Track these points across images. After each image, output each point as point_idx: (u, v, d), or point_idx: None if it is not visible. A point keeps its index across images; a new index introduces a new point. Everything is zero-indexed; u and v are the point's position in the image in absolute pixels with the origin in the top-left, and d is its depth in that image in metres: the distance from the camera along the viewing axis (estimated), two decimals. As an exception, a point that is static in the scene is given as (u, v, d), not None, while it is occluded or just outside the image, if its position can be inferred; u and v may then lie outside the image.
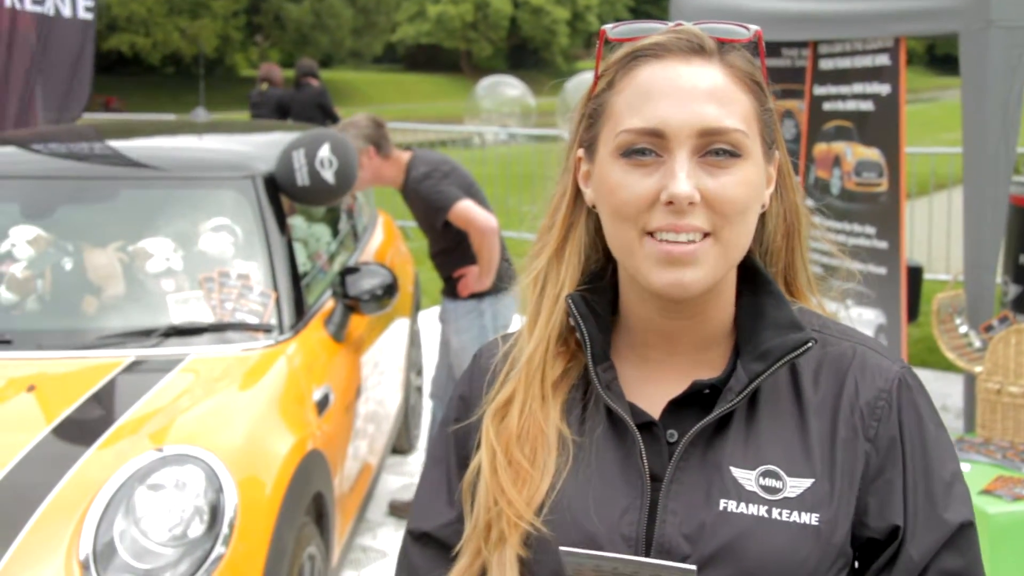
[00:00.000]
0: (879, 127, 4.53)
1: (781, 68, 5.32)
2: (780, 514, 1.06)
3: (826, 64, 4.90)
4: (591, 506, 1.09)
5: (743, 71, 1.09)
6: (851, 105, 4.70)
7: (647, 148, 1.06)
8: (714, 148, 1.05)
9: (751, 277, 1.15)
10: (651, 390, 1.14)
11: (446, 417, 1.25)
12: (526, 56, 55.85)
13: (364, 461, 3.97)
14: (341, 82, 39.57)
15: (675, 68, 1.07)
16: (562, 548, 1.05)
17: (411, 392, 5.33)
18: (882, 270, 4.52)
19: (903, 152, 4.41)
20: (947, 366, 5.26)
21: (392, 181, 4.27)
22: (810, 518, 1.06)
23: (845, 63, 4.75)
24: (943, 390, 5.49)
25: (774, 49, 5.28)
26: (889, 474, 1.09)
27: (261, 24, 45.99)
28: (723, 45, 1.09)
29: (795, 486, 1.07)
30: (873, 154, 4.57)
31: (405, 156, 4.27)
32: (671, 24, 1.12)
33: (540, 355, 1.15)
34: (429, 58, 55.41)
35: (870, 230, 4.60)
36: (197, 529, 2.55)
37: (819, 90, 4.96)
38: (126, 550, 2.47)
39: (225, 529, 2.57)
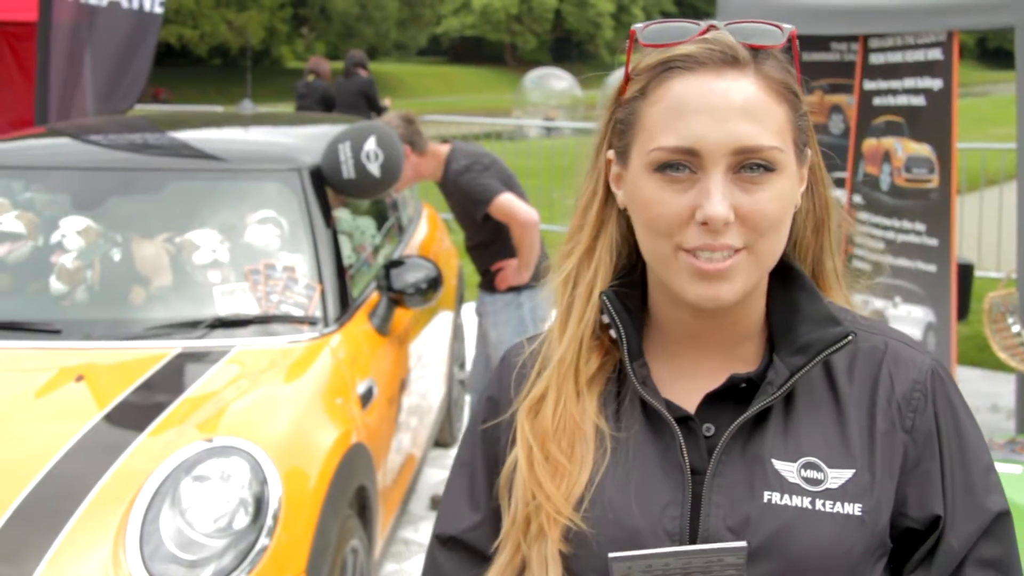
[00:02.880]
0: (930, 122, 4.46)
1: (830, 62, 5.25)
2: (824, 505, 1.06)
3: (876, 58, 4.83)
4: (632, 501, 1.09)
5: (777, 81, 1.08)
6: (902, 100, 4.63)
7: (681, 163, 1.05)
8: (748, 164, 1.05)
9: (783, 272, 1.15)
10: (684, 385, 1.14)
11: (474, 418, 1.26)
12: (570, 49, 55.72)
13: (407, 454, 3.98)
14: (386, 74, 39.66)
15: (708, 83, 1.05)
16: (611, 555, 1.05)
17: (454, 385, 5.34)
18: (932, 267, 4.45)
19: (955, 148, 4.34)
20: (998, 365, 5.18)
21: (431, 175, 4.27)
22: (853, 508, 1.07)
23: (896, 57, 4.68)
24: (994, 390, 5.41)
25: (823, 43, 5.21)
26: (927, 465, 1.10)
27: (307, 16, 46.26)
28: (757, 53, 1.08)
29: (836, 477, 1.08)
30: (924, 150, 4.50)
31: (444, 149, 4.26)
32: (703, 25, 1.09)
33: (574, 352, 1.15)
34: (473, 50, 55.45)
35: (920, 227, 4.53)
36: (242, 521, 2.56)
37: (869, 85, 4.89)
38: (172, 541, 2.49)
39: (269, 521, 2.58)
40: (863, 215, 4.90)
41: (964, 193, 8.90)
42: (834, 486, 1.07)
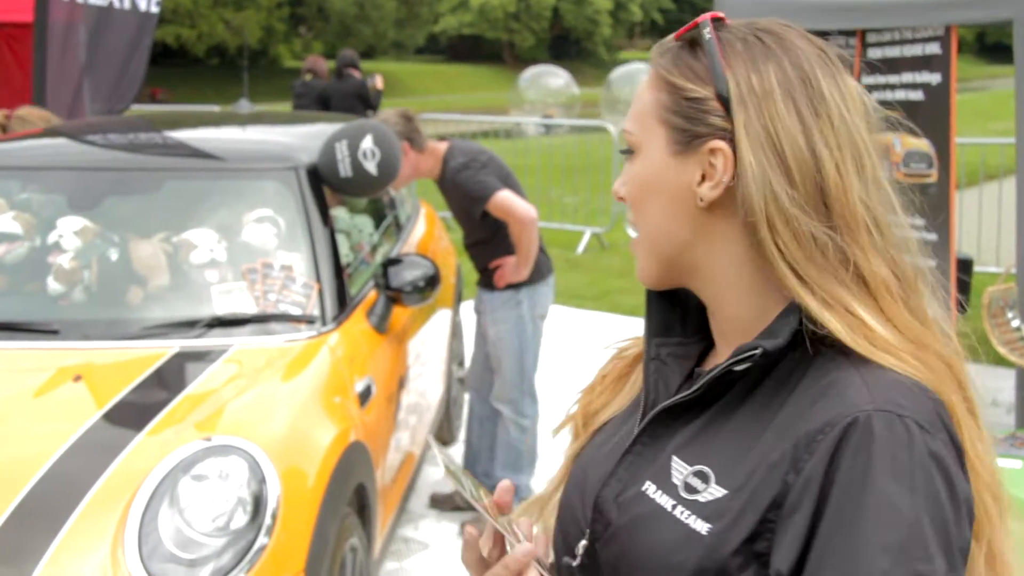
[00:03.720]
0: (929, 117, 4.45)
1: (828, 57, 5.24)
2: (681, 513, 1.04)
3: (874, 53, 4.82)
4: (599, 456, 1.18)
5: (655, 72, 1.14)
6: (900, 95, 4.62)
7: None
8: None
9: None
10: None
11: None
12: (568, 46, 55.70)
13: (406, 452, 3.97)
14: (384, 73, 39.67)
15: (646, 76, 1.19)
16: (429, 437, 1.24)
17: (453, 383, 5.33)
18: (931, 262, 4.45)
19: (953, 143, 4.33)
20: (998, 360, 5.17)
21: (429, 172, 4.27)
22: (701, 526, 1.02)
23: (894, 52, 4.67)
24: (994, 385, 5.40)
25: (821, 38, 5.21)
26: (797, 516, 0.97)
27: (304, 15, 46.24)
28: (662, 46, 1.15)
29: (711, 493, 1.03)
30: (923, 145, 4.49)
31: (441, 147, 4.26)
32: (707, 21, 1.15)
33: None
34: (471, 49, 55.42)
35: (919, 222, 4.53)
36: (240, 520, 2.56)
37: (867, 80, 4.88)
38: (170, 540, 2.49)
39: (268, 520, 2.57)
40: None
41: (963, 188, 8.90)
42: (702, 500, 1.03)
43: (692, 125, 1.08)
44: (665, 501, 1.05)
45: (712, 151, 1.07)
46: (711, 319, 1.15)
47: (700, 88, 1.08)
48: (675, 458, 1.08)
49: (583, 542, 1.12)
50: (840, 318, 1.02)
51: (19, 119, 4.61)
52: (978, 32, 51.83)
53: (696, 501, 1.03)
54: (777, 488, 0.99)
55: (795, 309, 1.04)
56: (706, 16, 1.10)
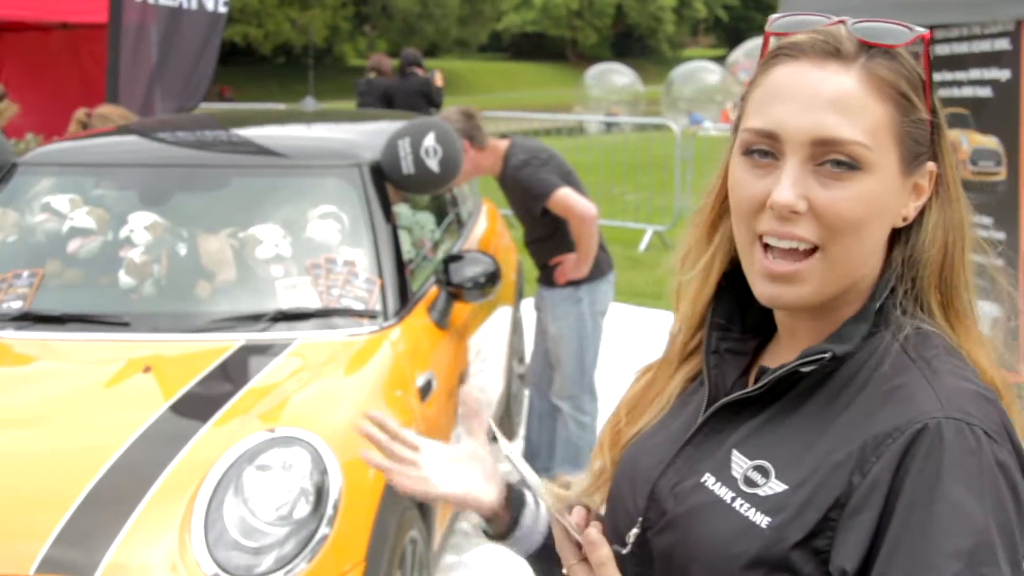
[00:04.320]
0: (997, 114, 4.39)
1: (895, 54, 5.19)
2: (740, 506, 1.05)
3: (942, 49, 4.76)
4: (650, 446, 1.18)
5: (882, 79, 1.04)
6: (967, 92, 4.56)
7: (766, 150, 1.05)
8: (831, 159, 1.03)
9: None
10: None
11: None
12: (631, 44, 55.48)
13: (466, 447, 4.00)
14: (447, 71, 39.83)
15: (805, 71, 1.05)
16: (493, 426, 1.29)
17: (513, 380, 5.36)
18: (999, 262, 4.38)
19: (1023, 140, 4.26)
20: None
21: (490, 170, 4.30)
22: (761, 519, 1.03)
23: (963, 48, 4.61)
24: (1062, 387, 5.31)
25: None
26: (863, 516, 0.98)
27: (369, 14, 46.62)
28: (870, 49, 1.05)
29: (771, 488, 1.04)
30: (991, 142, 4.43)
31: (502, 144, 4.29)
32: (833, 19, 1.08)
33: (689, 328, 1.21)
34: (534, 46, 55.44)
35: (987, 220, 4.46)
36: (303, 510, 2.61)
37: (935, 76, 4.82)
38: (235, 528, 2.54)
39: (330, 510, 2.62)
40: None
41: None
42: (762, 494, 1.05)
43: (919, 146, 1.07)
44: (724, 493, 1.07)
45: (929, 172, 1.08)
46: (786, 317, 1.14)
47: (922, 106, 1.07)
48: (735, 452, 1.09)
49: (634, 530, 1.13)
50: (946, 325, 1.09)
51: (100, 117, 4.75)
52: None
53: (756, 495, 1.05)
54: (841, 488, 1.00)
55: (866, 316, 1.07)
56: (922, 31, 1.06)
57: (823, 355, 1.05)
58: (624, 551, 1.14)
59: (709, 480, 1.09)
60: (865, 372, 1.06)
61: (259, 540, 2.55)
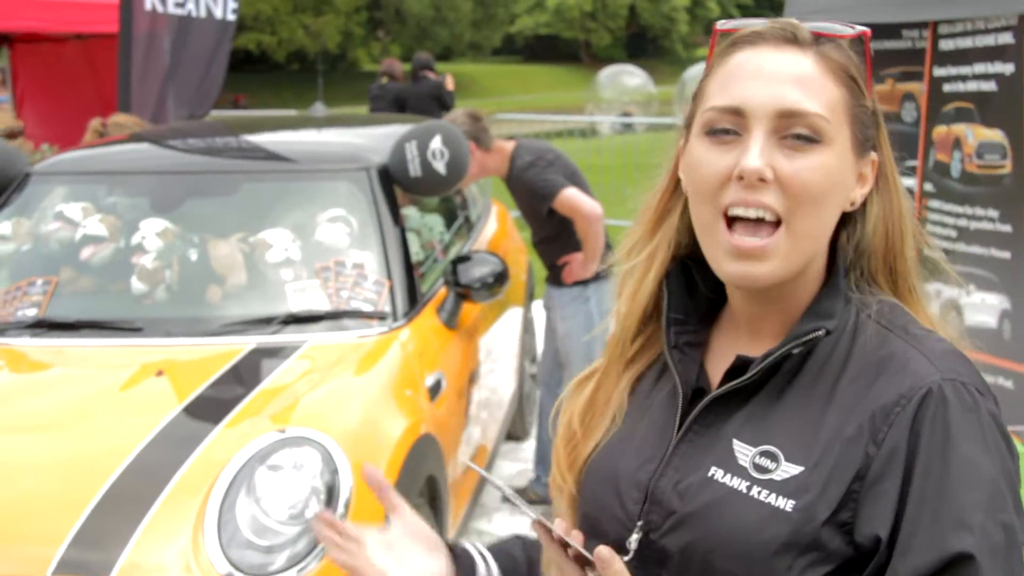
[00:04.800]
0: (1002, 108, 4.39)
1: (901, 50, 5.19)
2: (759, 493, 1.07)
3: (946, 44, 4.77)
4: (627, 450, 1.18)
5: (836, 62, 1.11)
6: (972, 86, 4.56)
7: (729, 128, 1.09)
8: (793, 132, 1.07)
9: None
10: (729, 360, 1.16)
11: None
12: (645, 44, 55.43)
13: (478, 446, 4.04)
14: (460, 74, 39.94)
15: (766, 53, 1.11)
16: (465, 462, 1.20)
17: (526, 379, 5.39)
18: (1006, 254, 4.38)
19: (1028, 133, 4.26)
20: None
21: (497, 171, 4.34)
22: (785, 503, 1.05)
23: (966, 43, 4.62)
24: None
25: (894, 31, 5.15)
26: (886, 483, 1.03)
27: (382, 19, 46.73)
28: (820, 38, 1.12)
29: (785, 471, 1.07)
30: (996, 135, 4.43)
31: (509, 146, 4.33)
32: (780, 20, 1.14)
33: (625, 329, 1.22)
34: (548, 49, 55.45)
35: (993, 213, 4.47)
36: (314, 508, 2.64)
37: (939, 71, 4.83)
38: (248, 527, 2.58)
39: (341, 509, 2.66)
40: (934, 203, 4.85)
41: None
42: (778, 478, 1.07)
43: (866, 132, 1.13)
44: (738, 484, 1.08)
45: (871, 161, 1.14)
46: (745, 303, 1.16)
47: (867, 95, 1.13)
48: (736, 441, 1.11)
49: (635, 535, 1.13)
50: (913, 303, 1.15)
51: (116, 125, 4.82)
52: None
53: (772, 480, 1.07)
54: (860, 460, 1.04)
55: (838, 290, 1.12)
56: (863, 29, 1.12)
57: (816, 333, 1.09)
58: (627, 558, 1.12)
59: (717, 473, 1.10)
60: (842, 348, 1.11)
61: (271, 539, 2.58)
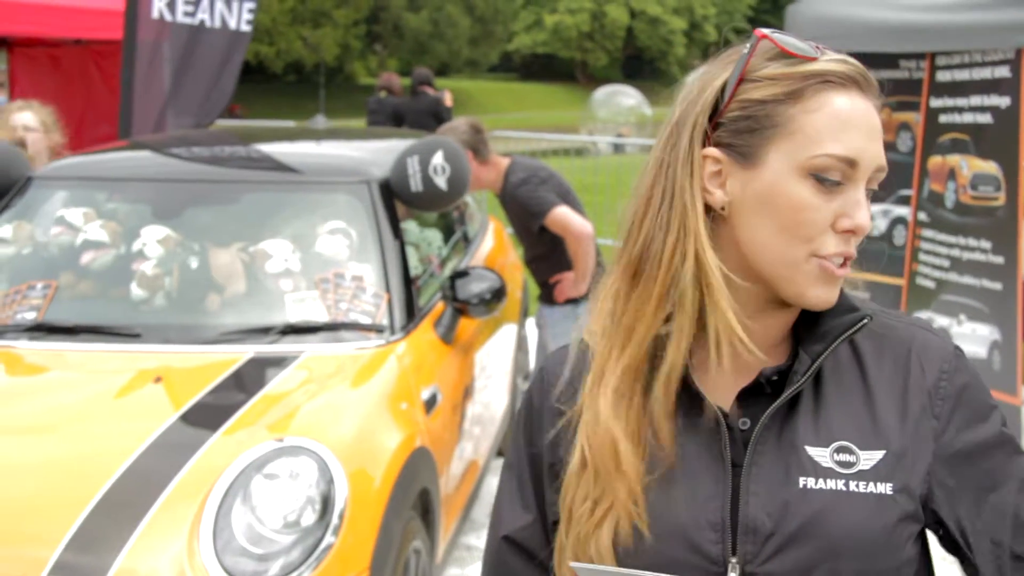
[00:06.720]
0: (997, 140, 4.45)
1: (898, 80, 5.25)
2: (858, 486, 1.12)
3: (943, 76, 4.83)
4: (679, 495, 1.14)
5: (879, 110, 1.17)
6: (968, 118, 4.62)
7: (839, 179, 1.12)
8: (873, 186, 1.15)
9: None
10: (720, 383, 1.18)
11: (516, 423, 1.31)
12: (642, 66, 55.68)
13: (470, 461, 4.06)
14: (457, 90, 39.96)
15: (864, 104, 1.13)
16: (573, 564, 1.11)
17: (518, 396, 5.41)
18: (997, 285, 4.43)
19: (1022, 166, 4.32)
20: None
21: (491, 185, 4.37)
22: (885, 488, 1.12)
23: (963, 75, 4.68)
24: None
25: (892, 61, 5.22)
26: (957, 443, 1.16)
27: (380, 33, 46.85)
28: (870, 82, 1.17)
29: (868, 459, 1.13)
30: (990, 167, 4.48)
31: (504, 162, 4.36)
32: (820, 47, 1.14)
33: (639, 358, 1.18)
34: (544, 67, 55.65)
35: (985, 244, 4.52)
36: (309, 518, 2.66)
37: (935, 102, 4.89)
38: (243, 535, 2.60)
39: (335, 519, 2.67)
40: (928, 232, 4.89)
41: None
42: (866, 467, 1.13)
43: None
44: (834, 485, 1.12)
45: None
46: (763, 333, 1.18)
47: None
48: (807, 448, 1.14)
49: (732, 574, 1.11)
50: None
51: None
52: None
53: (862, 471, 1.12)
54: (931, 434, 1.15)
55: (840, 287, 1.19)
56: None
57: (863, 322, 1.16)
58: None
59: (809, 482, 1.12)
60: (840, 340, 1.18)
61: (266, 547, 2.60)
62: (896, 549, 1.12)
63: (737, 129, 1.14)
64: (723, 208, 1.15)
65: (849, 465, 1.13)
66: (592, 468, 1.16)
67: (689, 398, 1.17)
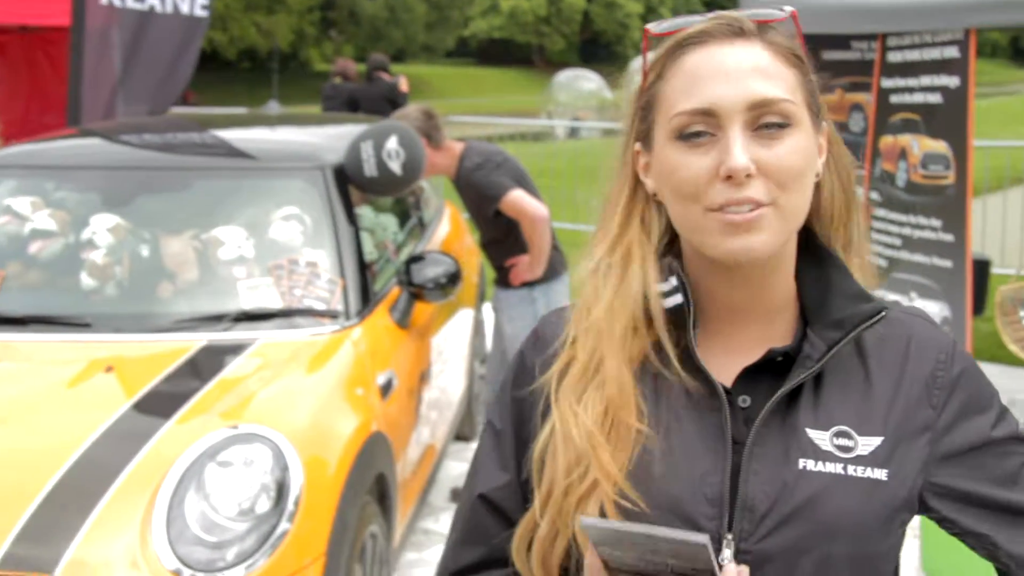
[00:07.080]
0: (947, 120, 4.49)
1: (850, 61, 5.29)
2: (855, 471, 1.13)
3: (894, 56, 4.87)
4: (674, 470, 1.14)
5: (784, 47, 1.15)
6: (918, 98, 4.66)
7: (701, 130, 1.11)
8: (765, 121, 1.11)
9: (812, 249, 1.21)
10: (720, 359, 1.18)
11: (504, 381, 1.28)
12: (598, 50, 55.70)
13: (427, 445, 4.06)
14: (414, 76, 39.80)
15: (720, 51, 1.13)
16: (582, 518, 1.08)
17: (475, 380, 5.41)
18: (947, 263, 4.49)
19: (971, 145, 4.36)
20: (1016, 361, 5.20)
21: (445, 170, 4.36)
22: (881, 473, 1.14)
23: (914, 55, 4.72)
24: (1012, 385, 5.41)
25: (844, 42, 5.25)
26: (955, 431, 1.18)
27: (335, 19, 46.53)
28: (761, 26, 1.16)
29: (866, 444, 1.15)
30: (940, 147, 4.53)
31: (458, 147, 4.35)
32: (709, 14, 1.18)
33: (622, 327, 1.17)
34: (501, 52, 55.53)
35: (936, 223, 4.57)
36: (264, 505, 2.65)
37: (887, 83, 4.93)
38: (196, 523, 2.58)
39: (291, 506, 2.66)
40: (880, 211, 4.94)
41: (989, 192, 8.89)
42: (864, 452, 1.14)
43: (818, 105, 1.18)
44: (832, 468, 1.13)
45: (824, 131, 1.20)
46: (738, 293, 1.17)
47: (810, 71, 1.19)
48: (808, 430, 1.14)
49: (727, 550, 1.11)
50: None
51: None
52: (1013, 36, 51.42)
53: (859, 456, 1.14)
54: (927, 420, 1.17)
55: (846, 272, 1.20)
56: (791, 9, 1.17)
57: (883, 313, 1.17)
58: (720, 573, 1.09)
59: (808, 464, 1.13)
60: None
61: (220, 535, 2.58)
62: (888, 534, 1.15)
63: (642, 119, 1.20)
64: (655, 194, 1.19)
65: (848, 450, 1.14)
66: (584, 437, 1.14)
67: (691, 373, 1.16)
